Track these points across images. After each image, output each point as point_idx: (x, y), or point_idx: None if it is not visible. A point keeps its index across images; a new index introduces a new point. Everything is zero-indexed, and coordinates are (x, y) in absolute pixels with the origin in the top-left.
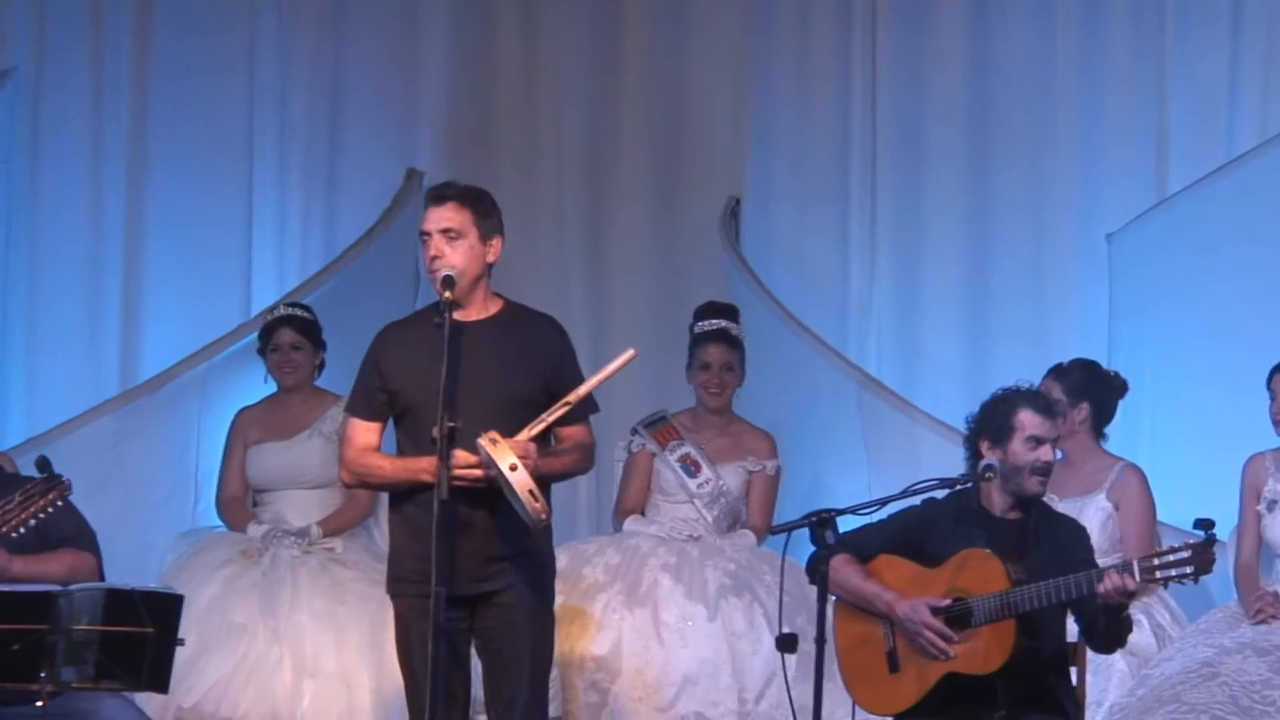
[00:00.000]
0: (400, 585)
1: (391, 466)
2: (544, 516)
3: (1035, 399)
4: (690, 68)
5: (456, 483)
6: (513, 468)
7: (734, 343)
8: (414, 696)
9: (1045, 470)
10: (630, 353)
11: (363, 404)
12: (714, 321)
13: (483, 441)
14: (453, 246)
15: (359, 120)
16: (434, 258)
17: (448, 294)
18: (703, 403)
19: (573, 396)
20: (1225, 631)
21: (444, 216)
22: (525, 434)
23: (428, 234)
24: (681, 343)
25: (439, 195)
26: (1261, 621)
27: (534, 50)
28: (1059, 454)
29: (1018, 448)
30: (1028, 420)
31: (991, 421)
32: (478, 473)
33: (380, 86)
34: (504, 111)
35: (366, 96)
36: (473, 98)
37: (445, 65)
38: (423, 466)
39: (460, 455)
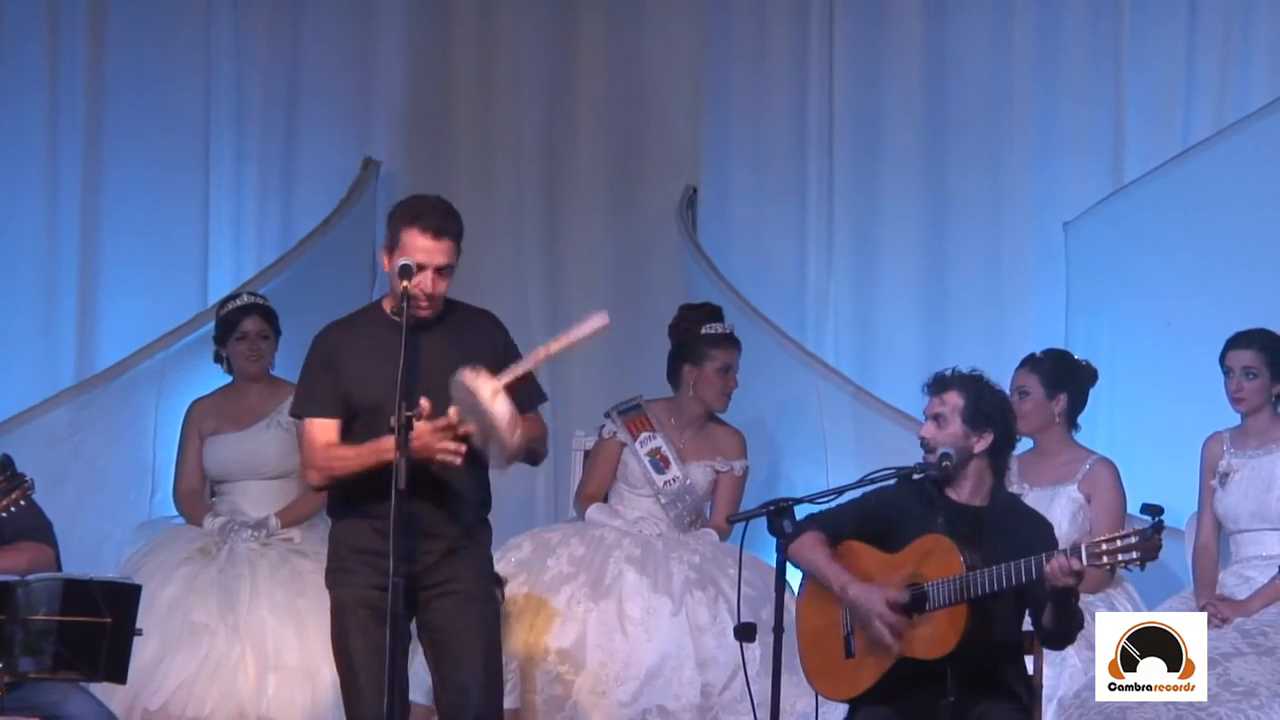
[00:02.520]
0: (341, 575)
1: (356, 453)
2: (517, 447)
3: (935, 376)
4: (646, 58)
5: (441, 457)
6: (494, 392)
7: (740, 345)
8: (352, 686)
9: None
10: (602, 322)
11: (318, 402)
12: (724, 325)
13: (463, 375)
14: (443, 281)
15: (315, 110)
16: (430, 295)
17: (405, 284)
18: (707, 403)
19: (541, 352)
20: None
21: (444, 252)
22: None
23: (423, 266)
24: (638, 333)
25: (440, 230)
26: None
27: (490, 41)
28: (1030, 442)
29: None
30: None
31: None
32: (465, 430)
33: (337, 76)
34: (460, 102)
35: (323, 86)
36: (429, 87)
37: (402, 55)
38: (387, 446)
39: (432, 425)
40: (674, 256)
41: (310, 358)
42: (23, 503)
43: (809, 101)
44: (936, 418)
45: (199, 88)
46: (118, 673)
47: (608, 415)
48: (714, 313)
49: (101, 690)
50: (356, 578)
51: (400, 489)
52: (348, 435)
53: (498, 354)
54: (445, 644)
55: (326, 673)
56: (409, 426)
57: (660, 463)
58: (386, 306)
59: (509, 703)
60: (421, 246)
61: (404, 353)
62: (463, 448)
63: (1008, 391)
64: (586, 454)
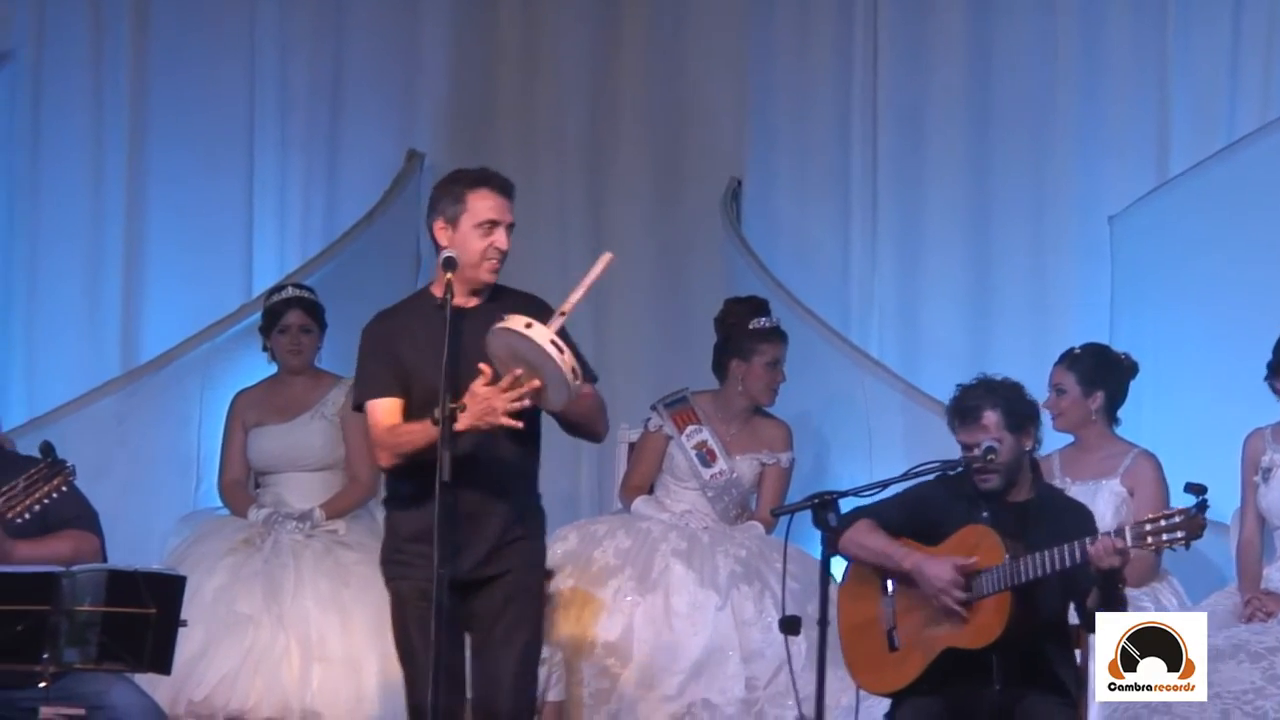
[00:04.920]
0: (397, 568)
1: (422, 428)
2: (576, 375)
3: (958, 404)
4: (690, 50)
5: (506, 420)
6: (528, 324)
7: (787, 339)
8: (412, 679)
9: (977, 471)
10: (608, 256)
11: (379, 384)
12: (771, 319)
13: (499, 325)
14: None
15: (360, 101)
16: (502, 252)
17: (449, 275)
18: (754, 397)
19: (566, 306)
20: (1221, 628)
21: (512, 210)
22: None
23: (496, 224)
24: (683, 325)
25: (507, 188)
26: (1252, 620)
27: (535, 33)
28: (1072, 438)
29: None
30: (952, 427)
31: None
32: (530, 384)
33: (381, 67)
34: (504, 94)
35: (367, 76)
36: (473, 80)
37: (446, 47)
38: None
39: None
40: (717, 249)
41: (364, 345)
42: (64, 489)
43: (853, 94)
44: (985, 444)
45: (243, 76)
46: (162, 664)
47: (654, 408)
48: (760, 306)
49: (146, 681)
50: (414, 570)
51: (445, 480)
52: (409, 419)
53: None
54: (486, 634)
55: (371, 664)
56: (453, 418)
57: (706, 456)
58: (436, 292)
59: (554, 695)
60: (494, 205)
61: (447, 343)
62: (527, 403)
63: (1046, 388)
64: (631, 447)
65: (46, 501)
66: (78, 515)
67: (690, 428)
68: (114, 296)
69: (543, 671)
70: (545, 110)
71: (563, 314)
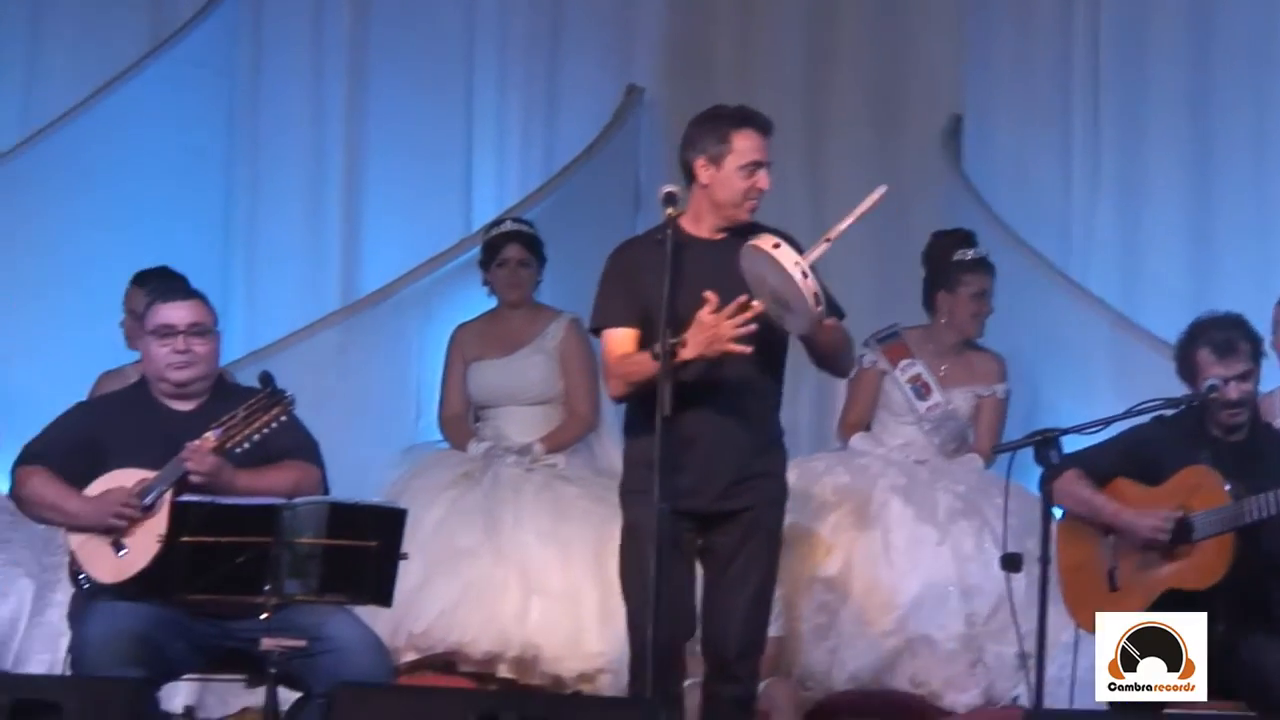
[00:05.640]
0: (636, 496)
1: (649, 360)
2: (818, 301)
3: (1214, 337)
4: None
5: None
6: (775, 244)
7: (994, 270)
8: (640, 610)
9: (1232, 405)
10: (882, 189)
11: (614, 313)
12: (977, 250)
13: (750, 243)
14: None
15: (578, 36)
16: (763, 192)
17: (670, 210)
18: (962, 330)
19: (832, 233)
20: None
21: (769, 149)
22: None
23: (760, 164)
24: (902, 264)
25: (768, 125)
26: None
27: None
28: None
29: (1201, 388)
30: (1204, 360)
31: (1180, 358)
32: (756, 308)
33: (599, 3)
34: (723, 28)
35: (586, 12)
36: (692, 14)
37: None
38: (683, 353)
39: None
40: (937, 186)
41: (606, 273)
42: (283, 419)
43: (1074, 27)
44: (1245, 375)
45: (462, 12)
46: (383, 596)
47: (866, 344)
48: (966, 238)
49: (366, 614)
50: (652, 500)
51: (665, 415)
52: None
53: None
54: (721, 570)
55: (590, 598)
56: (672, 353)
57: (921, 389)
58: (684, 224)
59: (774, 630)
60: (758, 145)
61: (668, 278)
62: (753, 328)
63: (1270, 326)
64: (850, 383)
65: (266, 431)
66: (298, 446)
67: (904, 362)
68: (334, 230)
69: None
70: (763, 45)
71: (828, 240)
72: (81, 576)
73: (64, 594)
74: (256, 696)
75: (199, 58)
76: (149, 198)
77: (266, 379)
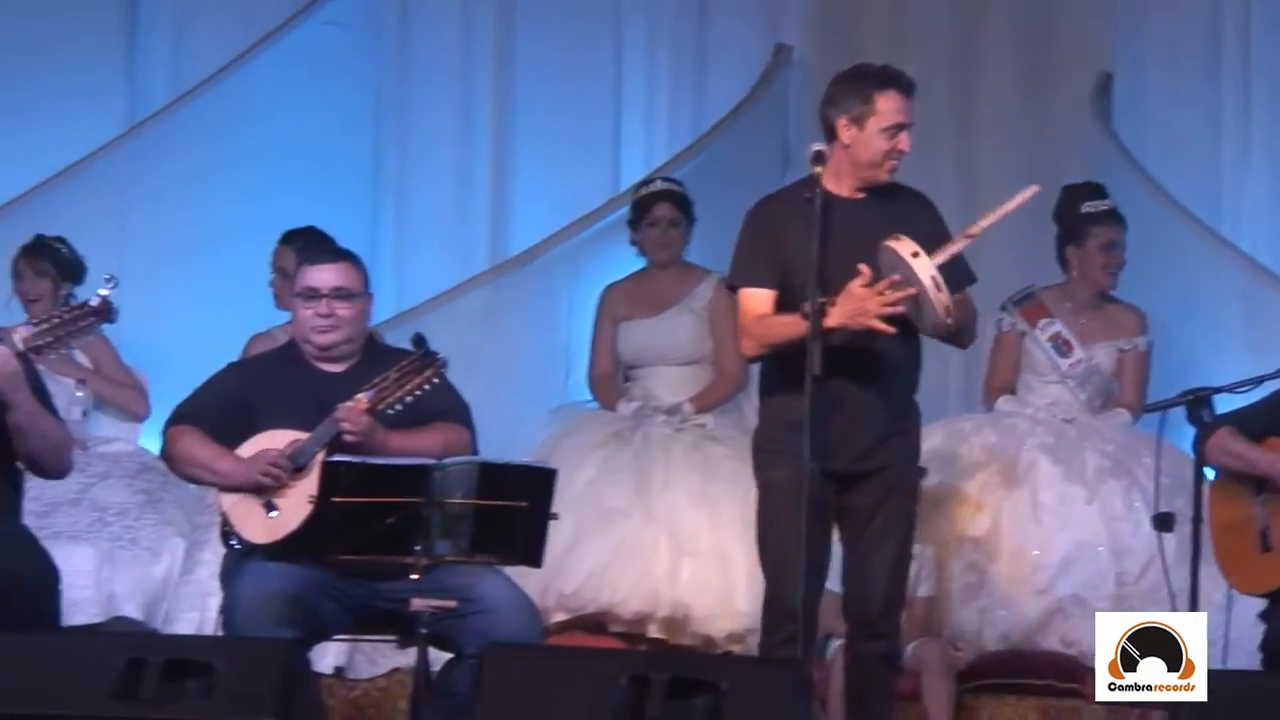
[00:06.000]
0: (772, 457)
1: (792, 320)
2: (949, 313)
3: None
4: None
5: (875, 323)
6: (915, 254)
7: (1124, 222)
8: (774, 569)
9: None
10: (1033, 189)
11: (753, 272)
12: (1105, 202)
13: (888, 242)
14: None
15: None
16: (904, 153)
17: (819, 169)
18: (1094, 282)
19: (975, 229)
20: None
21: (912, 111)
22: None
23: (903, 126)
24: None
25: (912, 89)
26: None
27: None
28: None
29: None
30: None
31: None
32: (902, 293)
33: None
34: None
35: None
36: None
37: None
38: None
39: (873, 289)
40: (1087, 146)
41: (746, 230)
42: (435, 381)
43: None
44: None
45: None
46: (533, 557)
47: (1003, 308)
48: (1093, 190)
49: (517, 574)
50: (789, 460)
51: (815, 375)
52: (788, 309)
53: (928, 232)
54: (861, 529)
55: (739, 558)
56: (822, 312)
57: (1063, 347)
58: (824, 182)
59: (923, 591)
60: (901, 107)
61: (817, 237)
62: (899, 309)
63: None
64: (991, 348)
65: (418, 393)
66: (449, 408)
67: (1042, 321)
68: (483, 191)
69: (914, 567)
70: (912, 3)
71: (969, 237)
72: (233, 538)
73: (212, 553)
74: (407, 657)
75: (346, 19)
76: (298, 158)
77: (419, 341)
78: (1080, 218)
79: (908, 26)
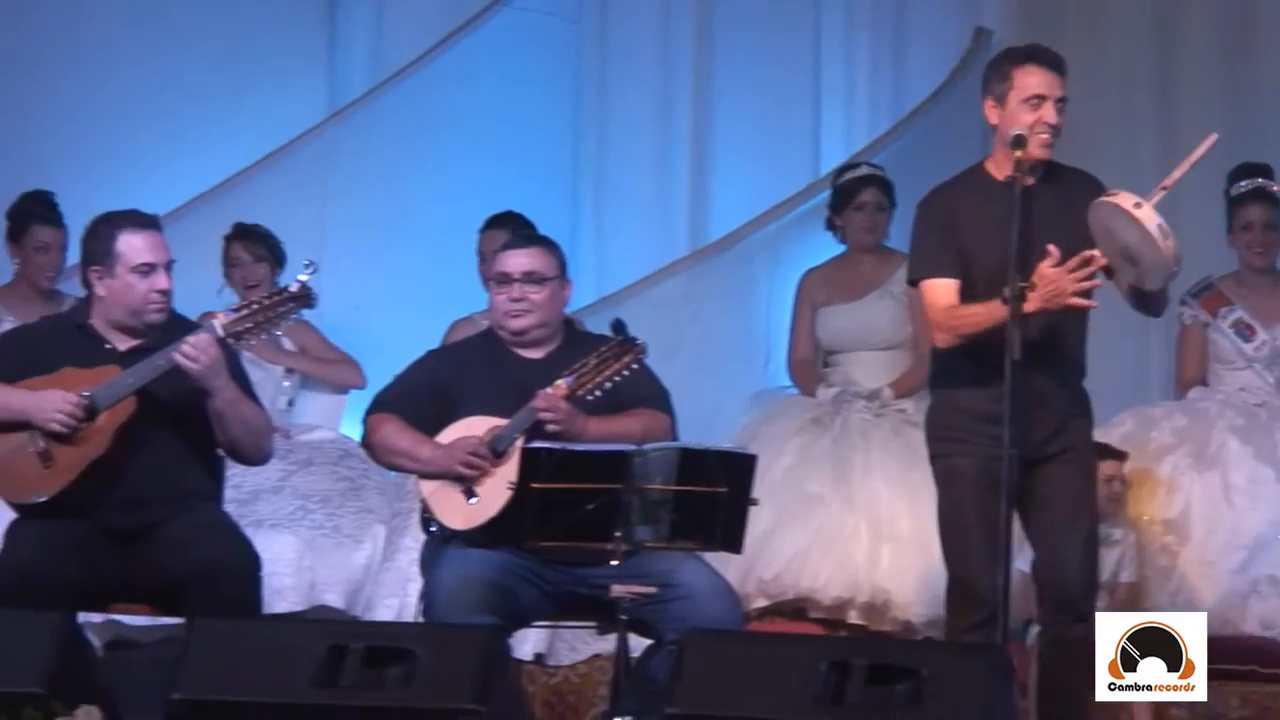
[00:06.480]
0: (954, 445)
1: (985, 309)
2: (1178, 261)
3: None
4: None
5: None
6: (1136, 204)
7: (1273, 200)
8: (960, 556)
9: None
10: (1213, 137)
11: (938, 263)
12: (1251, 181)
13: (1105, 198)
14: (1060, 116)
15: None
16: (1051, 126)
17: (1019, 153)
18: (1247, 263)
19: (1169, 181)
20: None
21: (1062, 85)
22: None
23: (1043, 98)
24: None
25: (1056, 62)
26: None
27: None
28: None
29: None
30: None
31: None
32: (1100, 262)
33: None
34: None
35: None
36: None
37: None
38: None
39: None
40: None
41: (922, 221)
42: (635, 367)
43: None
44: None
45: None
46: (733, 543)
47: (1183, 301)
48: (1248, 170)
49: (716, 560)
50: (975, 446)
51: (1015, 359)
52: (968, 298)
53: None
54: (1050, 512)
55: (938, 543)
56: (1021, 297)
57: (1246, 332)
58: (990, 168)
59: (1126, 576)
60: (1041, 80)
61: (1016, 222)
62: (1098, 282)
63: None
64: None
65: (617, 379)
66: (649, 393)
67: (1223, 309)
68: (682, 177)
69: (1115, 553)
70: None
71: (1164, 189)
72: (433, 524)
73: (412, 540)
74: (607, 643)
75: (546, 5)
76: (497, 145)
77: (619, 326)
78: (1230, 200)
79: (1109, 8)
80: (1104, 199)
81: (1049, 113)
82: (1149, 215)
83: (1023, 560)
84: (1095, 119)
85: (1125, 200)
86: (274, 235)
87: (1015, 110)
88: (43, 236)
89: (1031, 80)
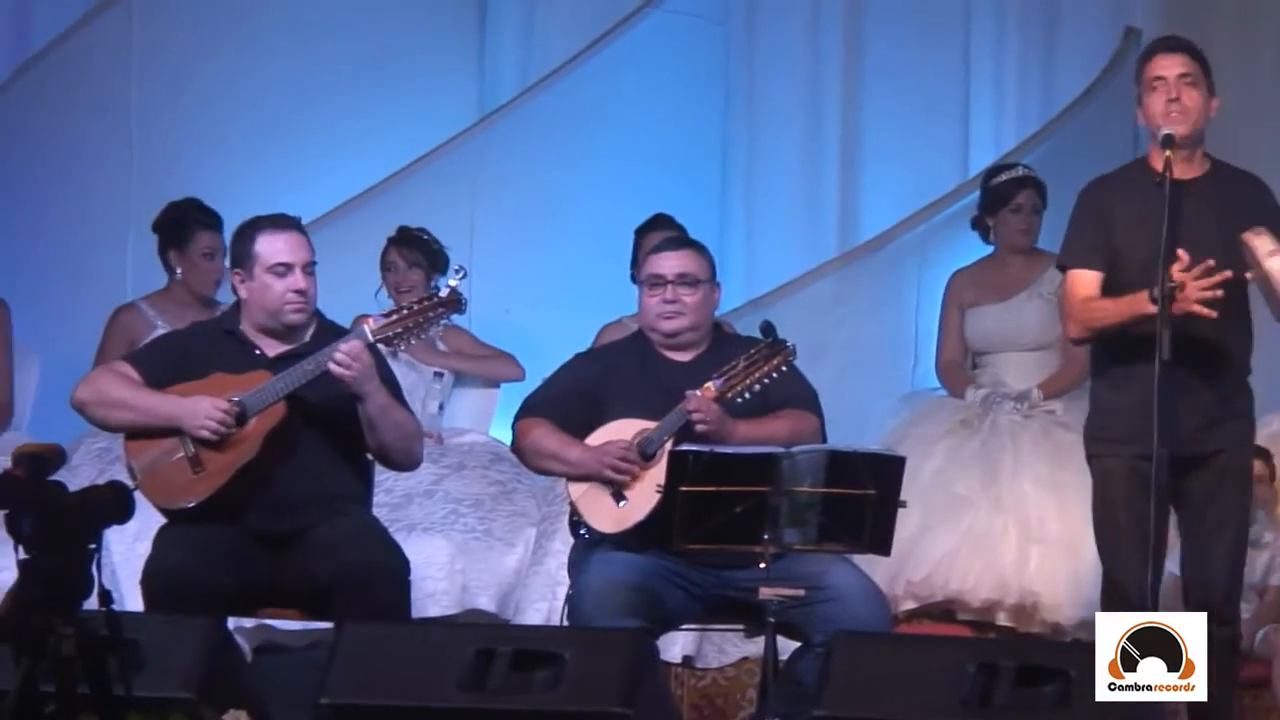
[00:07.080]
0: (1106, 445)
1: (1115, 305)
2: None
3: None
4: None
5: (1197, 308)
6: (1270, 253)
7: None
8: (1114, 558)
9: None
10: None
11: (1082, 254)
12: None
13: (1247, 235)
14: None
15: None
16: (1176, 100)
17: (1168, 153)
18: None
19: None
20: None
21: (1182, 65)
22: None
23: (1162, 78)
24: None
25: (1172, 44)
26: None
27: None
28: None
29: None
30: None
31: None
32: (1224, 275)
33: None
34: None
35: None
36: None
37: None
38: (1142, 298)
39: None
40: None
41: (1078, 210)
42: (784, 369)
43: None
44: None
45: None
46: (881, 545)
47: None
48: None
49: (864, 562)
50: (1124, 446)
51: (1164, 359)
52: (1113, 292)
53: (1264, 218)
54: (1199, 514)
55: (1088, 546)
56: (1171, 297)
57: None
58: (1153, 163)
59: (1276, 580)
60: (1164, 63)
61: (1165, 222)
62: (1219, 294)
63: None
64: None
65: (766, 381)
66: (797, 396)
67: None
68: (831, 179)
69: (1264, 556)
70: None
71: None
72: (582, 528)
73: (561, 543)
74: (755, 646)
75: (695, 7)
76: (647, 146)
77: (768, 329)
78: None
79: (1258, 6)
80: (1246, 233)
81: (1174, 88)
82: (1276, 269)
83: (1174, 562)
84: (1246, 124)
85: (1261, 246)
86: (435, 240)
87: (1148, 103)
88: (208, 242)
89: (1150, 67)
